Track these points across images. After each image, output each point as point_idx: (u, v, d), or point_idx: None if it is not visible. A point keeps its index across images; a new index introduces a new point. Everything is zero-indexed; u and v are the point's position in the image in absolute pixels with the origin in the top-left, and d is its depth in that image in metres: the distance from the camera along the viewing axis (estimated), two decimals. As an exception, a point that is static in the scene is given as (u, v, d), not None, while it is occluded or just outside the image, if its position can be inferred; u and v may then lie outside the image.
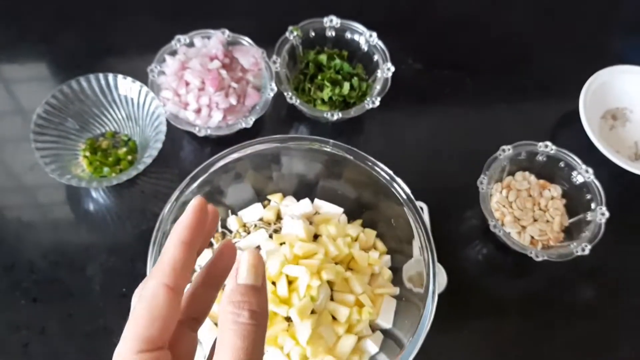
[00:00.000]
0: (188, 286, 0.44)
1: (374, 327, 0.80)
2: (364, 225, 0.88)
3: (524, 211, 0.92)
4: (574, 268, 0.91)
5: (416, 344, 0.70)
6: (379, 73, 1.01)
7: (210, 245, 0.84)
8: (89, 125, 0.95)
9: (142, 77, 0.93)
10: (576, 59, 1.15)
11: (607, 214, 0.89)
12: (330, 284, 0.78)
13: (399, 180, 0.79)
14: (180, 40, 0.98)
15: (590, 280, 0.94)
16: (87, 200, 0.93)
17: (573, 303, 0.92)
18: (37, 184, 0.93)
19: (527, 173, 0.96)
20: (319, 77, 1.01)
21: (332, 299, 0.78)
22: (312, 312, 0.75)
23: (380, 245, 0.86)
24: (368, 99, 0.97)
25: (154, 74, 0.95)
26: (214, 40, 0.98)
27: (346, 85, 0.99)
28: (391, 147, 0.91)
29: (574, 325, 0.90)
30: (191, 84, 0.94)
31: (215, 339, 0.39)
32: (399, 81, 0.99)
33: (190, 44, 0.99)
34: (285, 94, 0.95)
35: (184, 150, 0.99)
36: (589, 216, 0.90)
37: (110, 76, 0.92)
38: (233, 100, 0.93)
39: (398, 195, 0.79)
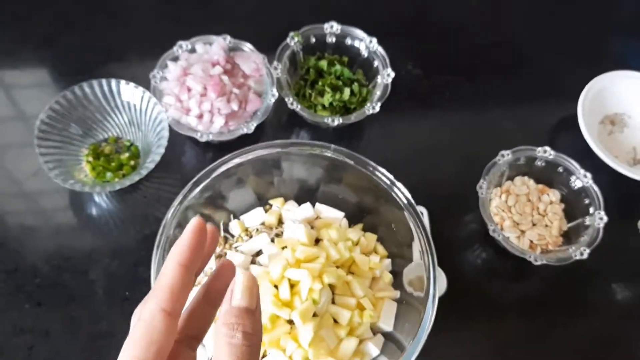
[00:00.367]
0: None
1: (375, 330, 0.80)
2: (364, 230, 0.88)
3: (523, 216, 0.92)
4: (573, 272, 0.91)
5: (417, 346, 0.70)
6: (379, 79, 1.01)
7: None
8: (92, 131, 0.95)
9: (144, 82, 0.93)
10: (575, 63, 1.15)
11: (605, 219, 0.89)
12: (331, 287, 0.78)
13: (399, 184, 0.79)
14: (182, 46, 0.98)
15: (588, 284, 0.94)
16: (90, 205, 0.93)
17: (572, 306, 0.92)
18: (40, 189, 0.93)
19: (526, 178, 0.96)
20: (320, 83, 1.01)
21: (333, 302, 0.78)
22: (314, 315, 0.74)
23: (380, 249, 0.86)
24: (368, 104, 0.97)
25: (156, 79, 0.95)
26: (215, 46, 0.98)
27: (346, 91, 0.99)
28: (391, 152, 0.92)
29: (573, 328, 0.90)
30: (193, 89, 0.93)
31: None
32: (398, 86, 0.99)
33: (192, 50, 0.99)
34: (286, 99, 0.94)
35: (185, 155, 0.98)
36: (588, 221, 0.90)
37: (113, 82, 0.92)
38: (235, 106, 0.93)
39: (399, 200, 0.80)
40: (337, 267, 0.80)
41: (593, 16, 1.27)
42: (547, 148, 0.94)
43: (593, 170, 0.93)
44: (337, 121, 0.94)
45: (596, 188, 0.91)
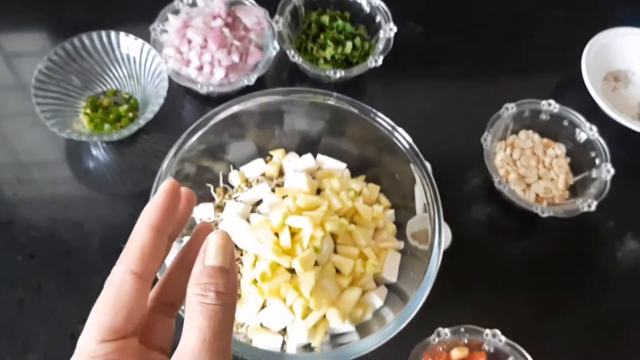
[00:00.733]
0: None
1: (378, 282, 0.76)
2: (367, 182, 0.83)
3: (528, 169, 0.88)
4: (579, 227, 0.87)
5: (421, 297, 0.66)
6: (381, 33, 0.96)
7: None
8: (91, 83, 0.90)
9: (144, 36, 0.89)
10: (578, 21, 1.10)
11: (612, 171, 0.84)
12: (333, 237, 0.73)
13: (400, 130, 0.75)
14: (182, 0, 0.93)
15: (595, 238, 0.89)
16: (87, 157, 0.88)
17: (578, 260, 0.88)
18: (37, 141, 0.88)
19: (530, 132, 0.91)
20: (322, 37, 0.96)
21: (335, 252, 0.74)
22: (316, 264, 0.70)
23: (384, 199, 0.82)
24: (370, 57, 0.92)
25: (156, 32, 0.90)
26: (216, 0, 0.93)
27: (349, 45, 0.95)
28: (393, 109, 0.86)
29: (579, 282, 0.86)
30: (193, 41, 0.89)
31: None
32: (400, 44, 0.94)
33: (193, 4, 0.94)
34: (287, 52, 0.90)
35: (185, 110, 0.94)
36: (594, 173, 0.86)
37: (113, 34, 0.88)
38: (235, 58, 0.89)
39: (403, 149, 0.75)
40: (340, 217, 0.75)
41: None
42: (552, 101, 0.89)
43: (597, 126, 0.89)
44: (339, 74, 0.89)
45: (602, 140, 0.87)
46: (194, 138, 0.73)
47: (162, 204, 0.38)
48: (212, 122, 0.74)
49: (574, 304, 0.84)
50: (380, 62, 0.91)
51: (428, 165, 0.84)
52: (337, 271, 0.73)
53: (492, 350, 0.72)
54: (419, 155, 0.75)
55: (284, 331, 0.71)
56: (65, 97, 0.87)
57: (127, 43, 0.88)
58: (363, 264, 0.73)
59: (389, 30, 0.95)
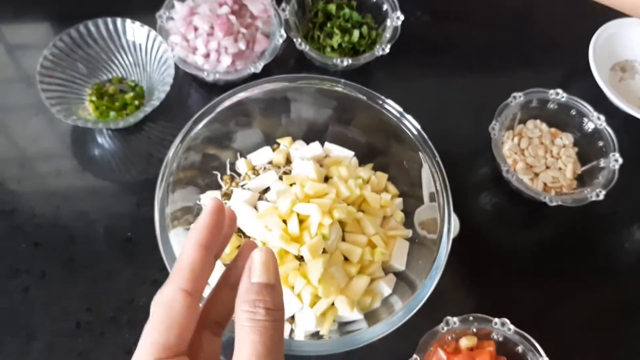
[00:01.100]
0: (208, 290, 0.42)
1: (387, 270, 0.74)
2: (375, 170, 0.81)
3: (536, 158, 0.85)
4: (587, 217, 0.85)
5: (430, 286, 0.64)
6: (388, 22, 0.94)
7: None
8: (96, 71, 0.88)
9: (150, 23, 0.86)
10: (586, 11, 1.08)
11: (620, 160, 0.82)
12: (341, 225, 0.72)
13: (408, 117, 0.73)
14: (189, -12, 0.91)
15: (603, 228, 0.87)
16: (92, 145, 0.85)
17: (586, 250, 0.86)
18: (41, 130, 0.86)
19: (538, 121, 0.89)
20: (329, 25, 0.94)
21: (344, 240, 0.72)
22: (324, 252, 0.68)
23: (392, 188, 0.79)
24: (378, 46, 0.90)
25: (163, 19, 0.88)
26: (223, -12, 0.91)
27: (356, 33, 0.92)
28: (400, 98, 0.84)
29: (586, 271, 0.84)
30: (200, 29, 0.87)
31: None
32: (407, 34, 0.92)
33: (200, -8, 0.92)
34: (294, 40, 0.88)
35: (191, 97, 0.92)
36: (602, 163, 0.84)
37: (119, 20, 0.85)
38: (242, 46, 0.87)
39: (411, 136, 0.73)
40: (348, 204, 0.73)
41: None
42: (560, 90, 0.87)
43: (605, 116, 0.87)
44: (346, 62, 0.87)
45: (610, 130, 0.85)
46: (200, 125, 0.71)
47: (209, 223, 0.39)
48: (218, 110, 0.72)
49: (582, 293, 0.82)
50: (387, 50, 0.89)
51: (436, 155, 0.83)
52: (346, 259, 0.71)
53: (500, 339, 0.70)
54: (427, 143, 0.72)
55: (292, 319, 0.69)
56: (71, 84, 0.85)
57: (133, 30, 0.86)
58: (371, 252, 0.71)
59: (396, 19, 0.92)
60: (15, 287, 0.74)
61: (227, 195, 0.77)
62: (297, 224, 0.68)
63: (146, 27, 0.85)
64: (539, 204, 0.81)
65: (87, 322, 0.72)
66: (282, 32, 0.89)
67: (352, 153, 0.81)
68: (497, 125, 0.83)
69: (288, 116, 0.82)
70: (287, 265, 0.67)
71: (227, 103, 0.72)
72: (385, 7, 0.95)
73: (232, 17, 0.87)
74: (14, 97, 0.89)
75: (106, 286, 0.75)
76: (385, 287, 0.71)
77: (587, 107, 0.87)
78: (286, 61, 0.96)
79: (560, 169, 0.86)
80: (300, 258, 0.68)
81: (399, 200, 0.79)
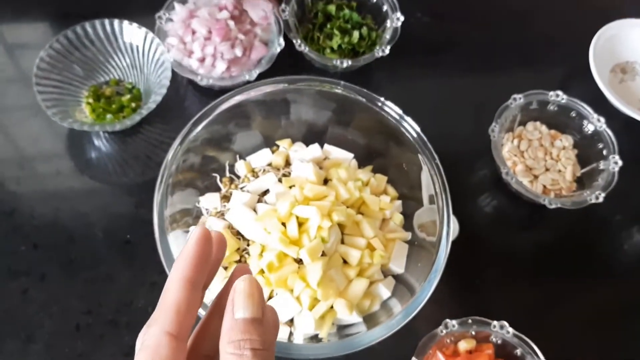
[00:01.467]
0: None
1: (386, 273, 0.75)
2: (374, 172, 0.83)
3: (535, 160, 0.87)
4: (586, 219, 0.87)
5: (429, 289, 0.66)
6: (388, 23, 0.96)
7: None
8: (93, 73, 0.90)
9: (149, 25, 0.88)
10: (586, 12, 1.10)
11: (620, 162, 0.84)
12: (340, 227, 0.73)
13: (408, 119, 0.75)
14: (191, -11, 0.92)
15: (602, 230, 0.89)
16: (89, 148, 0.87)
17: (585, 252, 0.87)
18: (39, 132, 0.87)
19: (538, 123, 0.91)
20: (328, 26, 0.96)
21: (343, 242, 0.73)
22: (323, 254, 0.70)
23: (391, 190, 0.81)
24: (378, 47, 0.92)
25: (162, 20, 0.90)
26: (224, -9, 0.92)
27: (355, 34, 0.94)
28: (400, 99, 0.86)
29: (585, 273, 0.86)
30: (197, 32, 0.88)
31: None
32: (407, 35, 0.94)
33: (201, -6, 0.93)
34: (294, 41, 0.89)
35: (188, 100, 0.93)
36: (602, 165, 0.86)
37: (116, 22, 0.87)
38: (238, 52, 0.88)
39: (411, 138, 0.75)
40: (347, 207, 0.75)
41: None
42: (559, 92, 0.89)
43: (605, 118, 0.88)
44: (346, 63, 0.89)
45: (610, 132, 0.87)
46: (200, 127, 0.73)
47: (194, 254, 0.36)
48: (217, 111, 0.74)
49: (581, 295, 0.84)
50: (387, 51, 0.91)
51: (435, 156, 0.85)
52: (345, 262, 0.72)
53: (499, 341, 0.72)
54: (427, 145, 0.74)
55: (291, 322, 0.70)
56: (68, 86, 0.87)
57: (131, 32, 0.88)
58: (370, 254, 0.72)
59: (395, 20, 0.94)
60: (14, 289, 0.76)
61: (227, 198, 0.78)
62: (297, 227, 0.69)
63: (143, 29, 0.87)
64: (538, 206, 0.83)
65: (87, 324, 0.74)
66: (281, 40, 0.90)
67: (351, 155, 0.83)
68: (496, 128, 0.84)
69: (287, 118, 0.84)
70: (286, 268, 0.68)
71: (226, 105, 0.74)
72: (385, 7, 0.96)
73: (231, 23, 0.89)
74: (13, 97, 0.91)
75: (105, 288, 0.77)
76: (384, 290, 0.72)
77: (587, 109, 0.88)
78: (285, 62, 0.97)
79: (559, 171, 0.88)
80: (299, 261, 0.69)
81: (398, 202, 0.80)
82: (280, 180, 0.78)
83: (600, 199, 0.81)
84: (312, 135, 0.84)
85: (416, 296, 0.65)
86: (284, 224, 0.70)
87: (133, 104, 0.88)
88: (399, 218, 0.79)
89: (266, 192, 0.78)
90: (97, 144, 0.87)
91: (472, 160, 0.92)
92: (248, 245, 0.73)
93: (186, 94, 0.94)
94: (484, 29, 1.07)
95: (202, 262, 0.36)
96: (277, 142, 0.84)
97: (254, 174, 0.81)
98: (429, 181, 0.74)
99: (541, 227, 0.89)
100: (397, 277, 0.75)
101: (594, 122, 0.88)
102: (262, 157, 0.82)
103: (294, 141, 0.84)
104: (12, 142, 0.87)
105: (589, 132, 0.89)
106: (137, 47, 0.89)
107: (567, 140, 0.90)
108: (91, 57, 0.89)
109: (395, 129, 0.76)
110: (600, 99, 0.94)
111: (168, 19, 0.91)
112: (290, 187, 0.75)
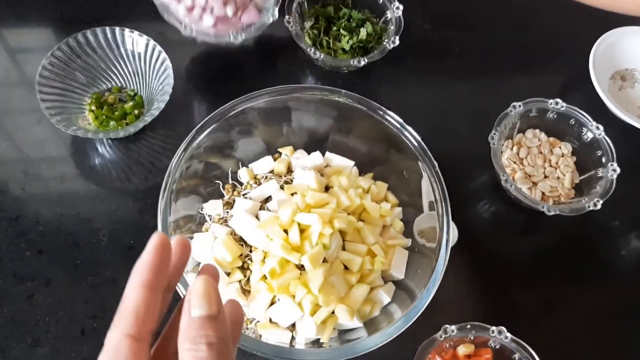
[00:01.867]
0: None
1: (386, 278, 0.78)
2: (375, 179, 0.86)
3: (534, 168, 0.90)
4: (584, 225, 0.89)
5: (429, 295, 0.69)
6: (388, 14, 0.98)
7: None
8: (96, 80, 0.92)
9: (151, 32, 0.91)
10: (586, 19, 1.12)
11: (618, 170, 0.87)
12: (342, 234, 0.76)
13: (409, 128, 0.78)
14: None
15: (600, 236, 0.92)
16: (93, 154, 0.90)
17: (583, 259, 0.90)
18: (43, 137, 0.90)
19: (537, 131, 0.94)
20: (334, 28, 0.99)
21: (344, 249, 0.76)
22: (324, 261, 0.73)
23: (391, 197, 0.84)
24: (386, 40, 0.95)
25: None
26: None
27: (362, 31, 0.97)
28: (400, 106, 0.88)
29: (584, 280, 0.89)
30: (192, -20, 0.86)
31: None
32: (407, 42, 0.96)
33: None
34: (307, 50, 0.91)
35: (191, 107, 0.96)
36: (600, 172, 0.88)
37: (117, 30, 0.90)
38: (229, 11, 0.86)
39: (411, 146, 0.78)
40: (348, 214, 0.78)
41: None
42: (559, 100, 0.91)
43: (604, 125, 0.91)
44: (363, 61, 0.91)
45: (608, 140, 0.89)
46: (203, 135, 0.76)
47: (151, 260, 0.38)
48: (220, 119, 0.77)
49: (579, 301, 0.87)
50: (397, 42, 0.93)
51: (435, 163, 0.87)
52: (346, 268, 0.75)
53: (497, 346, 0.74)
54: (427, 153, 0.77)
55: (292, 327, 0.73)
56: (70, 93, 0.89)
57: (132, 39, 0.90)
58: (371, 261, 0.75)
59: (395, 10, 0.97)
60: (20, 294, 0.79)
61: (229, 204, 0.81)
62: (298, 234, 0.72)
63: (145, 37, 0.89)
64: (537, 212, 0.85)
65: (92, 329, 0.77)
66: (276, 12, 0.90)
67: (352, 162, 0.86)
68: (496, 135, 0.87)
69: (289, 125, 0.87)
70: (288, 275, 0.71)
71: (229, 113, 0.77)
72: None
73: None
74: (17, 102, 0.94)
75: (110, 293, 0.80)
76: (384, 296, 0.75)
77: (586, 117, 0.91)
78: (289, 67, 1.00)
79: (558, 178, 0.90)
80: (301, 267, 0.72)
81: (399, 209, 0.83)
82: (282, 188, 0.81)
83: (599, 206, 0.84)
84: (313, 143, 0.87)
85: (416, 302, 0.69)
86: (286, 231, 0.73)
87: (136, 111, 0.91)
88: (399, 225, 0.82)
89: (268, 199, 0.81)
90: (101, 151, 0.90)
91: (472, 167, 0.95)
92: (251, 251, 0.76)
93: (189, 101, 0.97)
94: (484, 37, 1.09)
95: (160, 268, 0.38)
96: (279, 150, 0.87)
97: (256, 181, 0.84)
98: (429, 188, 0.77)
99: (540, 233, 0.92)
100: (398, 283, 0.78)
101: (593, 130, 0.90)
102: (264, 165, 0.85)
103: (295, 149, 0.87)
104: (16, 148, 0.90)
105: (588, 139, 0.91)
106: (139, 54, 0.91)
107: (566, 148, 0.93)
108: (93, 64, 0.91)
109: (395, 136, 0.79)
110: (599, 106, 0.96)
111: None
112: (292, 194, 0.79)
